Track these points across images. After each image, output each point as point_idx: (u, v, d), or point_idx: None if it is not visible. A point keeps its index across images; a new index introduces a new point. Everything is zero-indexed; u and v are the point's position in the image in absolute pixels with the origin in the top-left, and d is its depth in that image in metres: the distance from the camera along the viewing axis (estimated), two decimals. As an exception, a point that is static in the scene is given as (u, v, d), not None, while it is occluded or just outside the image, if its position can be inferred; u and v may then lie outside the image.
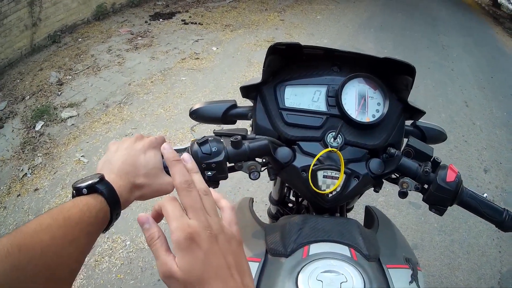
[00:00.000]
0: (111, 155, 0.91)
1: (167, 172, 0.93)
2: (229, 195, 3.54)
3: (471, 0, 17.91)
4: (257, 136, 1.13)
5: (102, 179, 0.79)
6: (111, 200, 0.78)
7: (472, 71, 7.79)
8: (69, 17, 6.68)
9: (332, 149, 1.13)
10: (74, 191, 0.77)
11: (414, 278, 1.06)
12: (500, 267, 3.32)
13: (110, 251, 2.93)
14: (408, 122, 1.35)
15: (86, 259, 2.81)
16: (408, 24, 10.14)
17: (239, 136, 1.05)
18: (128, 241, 3.02)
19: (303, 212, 1.54)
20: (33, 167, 3.81)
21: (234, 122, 1.37)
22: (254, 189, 3.62)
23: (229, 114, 1.32)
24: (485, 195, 1.11)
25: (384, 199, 3.78)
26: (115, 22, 7.30)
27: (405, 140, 1.18)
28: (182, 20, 7.65)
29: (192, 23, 7.57)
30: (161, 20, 7.59)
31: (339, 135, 1.16)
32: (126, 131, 4.31)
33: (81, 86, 5.09)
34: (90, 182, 0.77)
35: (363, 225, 1.35)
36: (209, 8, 8.78)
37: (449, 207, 1.11)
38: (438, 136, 1.40)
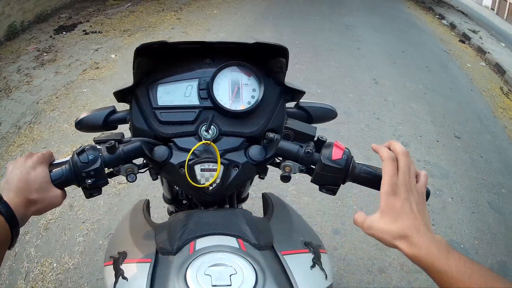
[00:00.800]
0: (8, 174, 0.98)
1: (56, 185, 1.02)
2: (135, 202, 3.59)
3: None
4: (132, 139, 1.13)
5: (0, 199, 0.88)
6: (8, 218, 0.86)
7: (380, 48, 7.94)
8: (-18, 41, 6.68)
9: (205, 141, 1.13)
10: None
11: (316, 261, 1.06)
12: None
13: (42, 276, 2.98)
14: (292, 104, 1.38)
15: (23, 286, 2.90)
16: (309, 9, 10.23)
17: (113, 141, 1.07)
18: (54, 263, 3.07)
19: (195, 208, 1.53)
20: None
21: (115, 128, 1.36)
22: (161, 193, 3.60)
23: (109, 121, 1.33)
24: None
25: (295, 187, 3.79)
26: (24, 40, 7.35)
27: None
28: (83, 31, 7.90)
29: (92, 32, 7.85)
30: (64, 33, 7.77)
31: (212, 126, 1.16)
32: (38, 151, 4.25)
33: (-4, 111, 5.12)
34: None
35: (263, 213, 1.42)
36: (109, 15, 9.02)
37: (342, 185, 1.12)
38: (326, 114, 1.41)
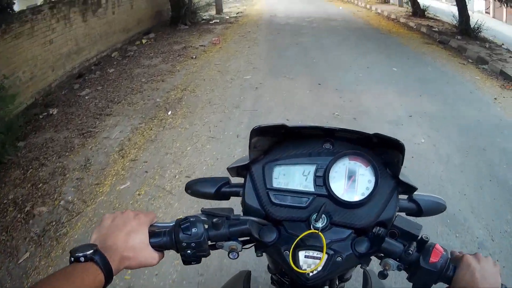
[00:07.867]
0: (105, 228, 1.05)
1: (153, 247, 1.06)
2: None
3: (394, 26, 15.78)
4: (241, 218, 1.15)
5: (96, 250, 0.95)
6: (105, 270, 0.94)
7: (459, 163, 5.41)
8: None
9: (314, 231, 1.14)
10: (71, 258, 0.93)
11: None
12: None
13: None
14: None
15: None
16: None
17: (221, 219, 1.10)
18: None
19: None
20: None
21: (227, 198, 1.40)
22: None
23: (221, 191, 1.37)
24: None
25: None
26: None
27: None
28: None
29: None
30: None
31: (322, 215, 1.17)
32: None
33: None
34: (87, 252, 0.93)
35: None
36: None
37: (434, 284, 1.11)
38: (436, 207, 1.40)
